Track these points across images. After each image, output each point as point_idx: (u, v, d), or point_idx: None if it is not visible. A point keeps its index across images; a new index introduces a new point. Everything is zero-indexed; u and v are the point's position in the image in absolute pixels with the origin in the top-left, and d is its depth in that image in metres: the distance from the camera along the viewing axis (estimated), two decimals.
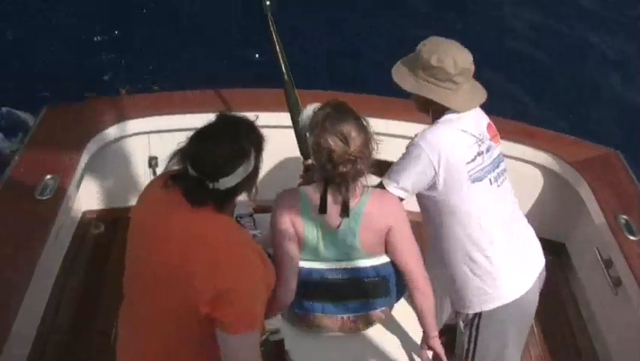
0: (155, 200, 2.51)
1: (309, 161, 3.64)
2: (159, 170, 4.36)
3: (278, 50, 3.80)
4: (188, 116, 4.35)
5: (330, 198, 2.86)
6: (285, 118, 3.81)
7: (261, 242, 2.91)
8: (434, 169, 3.01)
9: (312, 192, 2.91)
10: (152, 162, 4.58)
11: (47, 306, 3.91)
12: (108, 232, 4.56)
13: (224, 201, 2.41)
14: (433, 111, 3.15)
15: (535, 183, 4.69)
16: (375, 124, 4.09)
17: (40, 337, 3.75)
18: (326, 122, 2.77)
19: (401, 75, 3.15)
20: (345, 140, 2.73)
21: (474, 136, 3.09)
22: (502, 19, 9.44)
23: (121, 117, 4.39)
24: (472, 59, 3.06)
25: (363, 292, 3.05)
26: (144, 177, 4.56)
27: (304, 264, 2.99)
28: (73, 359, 3.79)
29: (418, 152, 3.02)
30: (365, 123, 2.83)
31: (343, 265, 3.01)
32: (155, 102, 4.60)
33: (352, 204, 2.86)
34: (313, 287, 3.00)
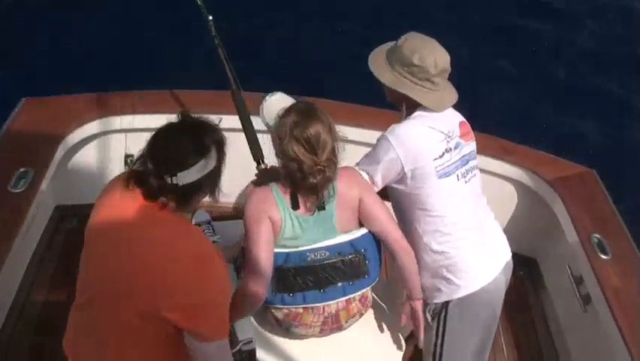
0: (116, 201, 2.45)
1: (263, 166, 3.67)
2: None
3: (224, 59, 3.96)
4: (166, 115, 4.31)
5: (300, 196, 2.94)
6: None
7: (222, 250, 2.89)
8: (401, 163, 3.08)
9: (283, 190, 2.95)
10: (129, 160, 4.55)
11: (15, 300, 3.88)
12: (81, 227, 4.50)
13: (183, 200, 2.38)
14: (407, 104, 3.22)
15: (510, 199, 4.72)
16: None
17: (7, 331, 3.71)
18: (294, 131, 2.79)
19: (379, 67, 3.20)
20: (313, 150, 2.79)
21: (442, 133, 3.16)
22: (482, 33, 9.47)
23: (99, 114, 4.36)
24: (449, 59, 3.13)
25: (342, 273, 3.06)
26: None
27: (281, 250, 3.00)
28: (40, 355, 3.75)
29: (386, 145, 3.11)
30: (331, 124, 2.88)
31: (320, 244, 3.03)
32: (133, 101, 4.57)
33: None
34: (293, 276, 3.00)
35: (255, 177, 3.65)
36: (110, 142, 4.48)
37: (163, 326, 2.30)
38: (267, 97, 3.37)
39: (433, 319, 3.28)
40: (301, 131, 2.78)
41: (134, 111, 4.42)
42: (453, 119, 3.27)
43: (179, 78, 6.66)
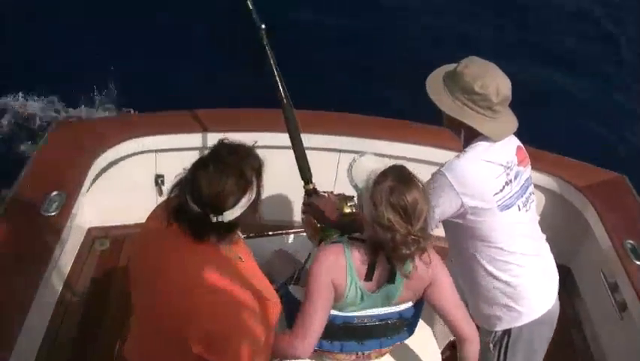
0: (155, 233, 2.47)
1: (311, 186, 3.63)
2: (165, 188, 4.37)
3: (275, 71, 3.72)
4: (195, 135, 4.37)
5: (377, 267, 2.80)
6: (284, 138, 3.81)
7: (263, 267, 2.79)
8: (461, 201, 2.97)
9: (358, 254, 2.81)
10: (159, 180, 4.59)
11: (51, 322, 3.91)
12: (113, 248, 4.57)
13: (226, 233, 2.36)
14: (465, 132, 3.10)
15: (541, 207, 4.69)
16: (375, 146, 4.08)
17: (43, 354, 3.74)
18: (391, 197, 2.62)
19: (438, 94, 3.06)
20: (409, 219, 2.62)
21: (502, 165, 3.04)
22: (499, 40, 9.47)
23: (129, 135, 4.40)
24: (510, 86, 3.00)
25: (383, 332, 3.01)
26: (150, 195, 4.57)
27: (333, 312, 2.90)
28: None
29: (444, 184, 2.97)
30: (425, 190, 2.71)
31: (371, 312, 2.94)
32: (163, 121, 4.61)
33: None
34: (335, 330, 2.93)
35: (303, 197, 3.64)
36: (140, 163, 4.52)
37: (194, 356, 2.32)
38: (356, 157, 3.23)
39: (494, 347, 3.26)
40: (398, 198, 2.61)
41: (163, 131, 4.45)
42: (510, 146, 3.14)
43: (217, 94, 6.68)
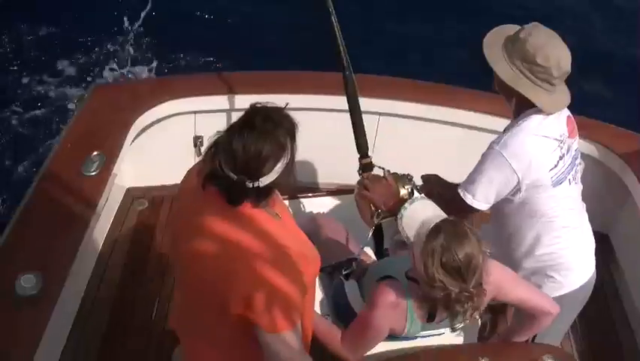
0: (191, 195, 2.47)
1: (368, 159, 3.57)
2: (204, 149, 4.40)
3: (337, 35, 3.54)
4: (234, 96, 4.38)
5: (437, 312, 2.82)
6: (323, 100, 3.75)
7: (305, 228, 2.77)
8: (518, 180, 2.94)
9: (417, 299, 2.81)
10: (198, 141, 4.62)
11: (90, 281, 3.99)
12: (152, 208, 4.62)
13: (263, 196, 2.34)
14: (517, 100, 3.01)
15: (581, 174, 4.64)
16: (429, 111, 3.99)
17: (83, 311, 3.82)
18: (442, 257, 2.54)
19: (496, 57, 2.96)
20: (463, 277, 2.56)
21: (556, 140, 3.00)
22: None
23: (168, 96, 4.42)
24: (571, 60, 2.91)
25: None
26: (189, 156, 4.60)
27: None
28: (115, 334, 3.87)
29: (501, 162, 2.93)
30: (479, 239, 2.62)
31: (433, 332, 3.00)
32: (202, 83, 4.62)
33: None
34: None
35: (359, 175, 3.59)
36: (180, 124, 4.54)
37: (235, 323, 2.34)
38: (406, 205, 2.94)
39: None
40: (451, 258, 2.54)
41: (202, 92, 4.47)
42: (562, 117, 3.07)
43: (273, 56, 6.60)
